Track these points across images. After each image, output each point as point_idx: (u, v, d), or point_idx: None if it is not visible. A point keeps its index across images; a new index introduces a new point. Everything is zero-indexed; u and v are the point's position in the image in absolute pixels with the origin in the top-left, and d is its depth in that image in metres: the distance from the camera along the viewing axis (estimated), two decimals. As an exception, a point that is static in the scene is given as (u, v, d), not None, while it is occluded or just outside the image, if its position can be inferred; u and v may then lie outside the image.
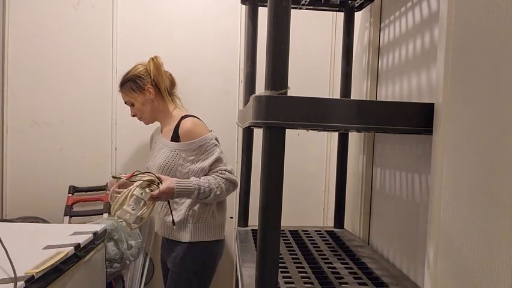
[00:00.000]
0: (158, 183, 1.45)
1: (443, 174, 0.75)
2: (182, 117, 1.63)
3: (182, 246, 1.60)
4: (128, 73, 1.68)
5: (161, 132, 1.71)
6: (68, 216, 2.15)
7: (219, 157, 1.59)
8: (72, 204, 2.19)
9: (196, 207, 1.61)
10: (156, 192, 1.42)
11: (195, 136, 1.58)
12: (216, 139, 1.66)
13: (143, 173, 1.44)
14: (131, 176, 1.42)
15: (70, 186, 2.23)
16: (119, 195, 1.38)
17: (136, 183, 1.39)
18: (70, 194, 2.21)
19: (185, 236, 1.60)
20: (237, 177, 1.68)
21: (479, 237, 0.64)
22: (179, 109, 1.73)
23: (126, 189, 1.39)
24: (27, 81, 2.24)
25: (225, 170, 1.57)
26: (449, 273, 0.72)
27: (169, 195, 1.47)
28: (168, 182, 1.45)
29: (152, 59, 1.68)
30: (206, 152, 1.57)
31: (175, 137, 1.60)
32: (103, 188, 2.24)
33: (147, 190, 1.40)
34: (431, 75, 1.10)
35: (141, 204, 1.38)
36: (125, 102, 1.71)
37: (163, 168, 1.58)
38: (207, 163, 1.56)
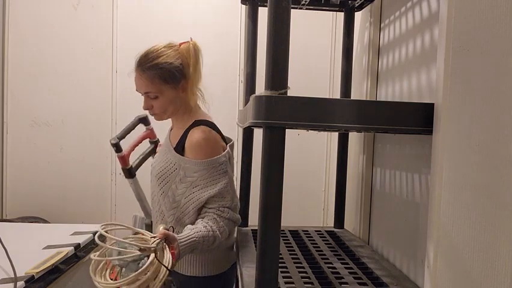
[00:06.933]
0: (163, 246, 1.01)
1: (443, 174, 0.75)
2: (194, 122, 1.25)
3: (197, 280, 1.28)
4: (158, 56, 1.22)
5: (171, 130, 1.38)
6: (133, 179, 1.72)
7: (223, 189, 1.21)
8: (129, 160, 1.72)
9: None
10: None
11: (203, 156, 1.19)
12: (229, 155, 1.29)
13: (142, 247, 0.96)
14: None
15: (112, 144, 1.68)
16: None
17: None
18: (119, 153, 1.68)
19: (200, 269, 1.27)
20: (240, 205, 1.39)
21: (479, 237, 0.64)
22: (197, 106, 1.34)
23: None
24: (27, 81, 2.24)
25: (227, 208, 1.22)
26: (449, 273, 0.72)
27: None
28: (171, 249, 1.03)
29: (194, 44, 1.25)
30: (210, 179, 1.19)
31: (180, 147, 1.24)
32: (136, 124, 1.80)
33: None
34: (431, 75, 1.10)
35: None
36: (137, 90, 1.27)
37: (159, 178, 1.26)
38: (205, 195, 1.19)
